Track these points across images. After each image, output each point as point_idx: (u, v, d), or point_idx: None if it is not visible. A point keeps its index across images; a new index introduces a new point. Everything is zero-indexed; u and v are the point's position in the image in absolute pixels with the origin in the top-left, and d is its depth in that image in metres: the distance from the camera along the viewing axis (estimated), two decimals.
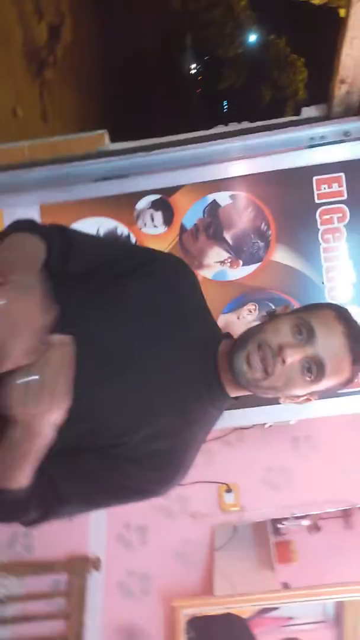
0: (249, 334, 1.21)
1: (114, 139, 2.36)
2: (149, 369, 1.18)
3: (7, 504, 1.09)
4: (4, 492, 1.07)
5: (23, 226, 1.23)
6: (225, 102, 13.38)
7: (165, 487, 1.21)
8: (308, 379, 1.17)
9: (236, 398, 1.29)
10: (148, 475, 1.18)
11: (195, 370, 1.23)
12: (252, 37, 10.36)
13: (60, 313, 1.12)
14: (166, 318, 1.24)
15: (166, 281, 1.27)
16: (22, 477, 1.07)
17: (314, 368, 1.16)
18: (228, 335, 1.32)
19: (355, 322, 1.22)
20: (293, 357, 1.14)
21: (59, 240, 1.23)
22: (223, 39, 9.86)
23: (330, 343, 1.16)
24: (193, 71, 13.84)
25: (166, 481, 1.21)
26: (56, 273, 1.18)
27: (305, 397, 1.24)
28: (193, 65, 13.69)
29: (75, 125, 8.31)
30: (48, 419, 1.01)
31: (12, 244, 1.16)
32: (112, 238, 2.33)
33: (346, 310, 1.25)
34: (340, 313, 1.21)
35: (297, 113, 2.40)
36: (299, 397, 1.23)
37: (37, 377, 0.99)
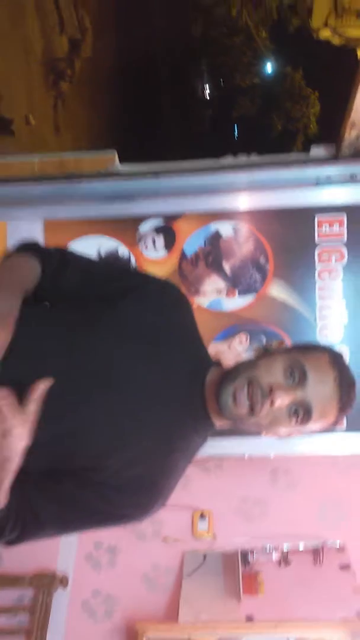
0: (241, 368, 1.19)
1: (122, 155, 2.37)
2: (134, 391, 1.17)
3: None
4: None
5: (26, 247, 1.27)
6: (236, 128, 13.49)
7: (143, 513, 1.20)
8: (294, 421, 1.16)
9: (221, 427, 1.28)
10: (127, 500, 1.17)
11: (181, 396, 1.21)
12: (269, 68, 10.45)
13: (48, 332, 1.15)
14: (155, 341, 1.23)
15: (157, 304, 1.27)
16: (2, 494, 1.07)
17: (301, 412, 1.15)
18: (218, 363, 1.31)
19: (348, 369, 1.21)
20: (283, 400, 1.13)
21: (56, 261, 1.25)
22: (240, 67, 9.95)
23: (320, 389, 1.15)
24: (207, 95, 13.96)
25: (145, 507, 1.19)
26: (50, 293, 1.22)
27: (287, 434, 1.24)
28: (207, 89, 13.81)
29: (86, 138, 8.36)
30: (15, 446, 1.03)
31: (9, 266, 1.20)
32: (109, 260, 2.34)
33: (341, 355, 1.24)
34: (335, 358, 1.20)
35: (307, 147, 2.43)
36: (281, 434, 1.23)
37: None
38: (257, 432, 1.21)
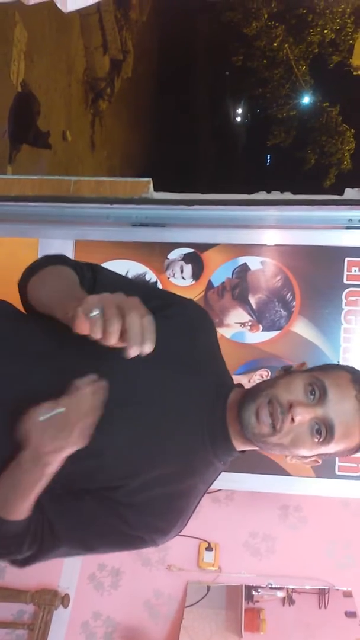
0: (261, 387, 1.19)
1: (155, 180, 2.40)
2: (158, 415, 1.18)
3: (4, 535, 1.10)
4: (4, 523, 1.08)
5: (55, 260, 1.29)
6: (269, 158, 13.59)
7: (161, 536, 1.19)
8: (316, 440, 1.14)
9: (243, 452, 1.26)
10: (144, 522, 1.17)
11: (202, 419, 1.22)
12: (306, 100, 10.54)
13: (79, 353, 1.16)
14: (180, 363, 1.24)
15: (183, 326, 1.28)
16: (24, 508, 1.08)
17: (323, 430, 1.14)
18: (240, 385, 1.31)
19: None
20: (303, 416, 1.12)
21: (88, 271, 1.28)
22: (278, 99, 10.06)
23: (342, 406, 1.14)
24: (243, 123, 14.09)
25: (162, 530, 1.19)
26: None
27: (312, 459, 1.22)
28: (243, 118, 13.94)
29: (120, 157, 8.48)
30: (60, 455, 1.04)
31: (56, 273, 1.23)
32: (136, 279, 2.37)
33: None
34: (356, 376, 1.19)
35: (340, 182, 2.43)
36: (305, 457, 1.21)
37: (63, 409, 1.02)
38: (281, 454, 1.20)
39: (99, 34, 6.83)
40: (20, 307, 1.33)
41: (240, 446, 1.24)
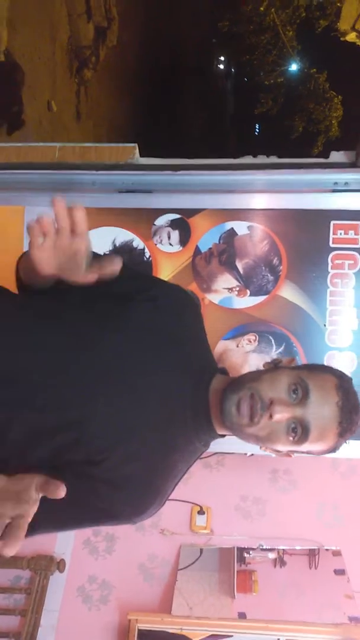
0: (246, 379, 1.22)
1: (142, 147, 2.38)
2: (140, 387, 1.19)
3: None
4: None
5: None
6: (257, 126, 13.47)
7: (138, 513, 1.20)
8: (290, 438, 1.17)
9: (222, 436, 1.29)
10: (122, 498, 1.16)
11: (185, 398, 1.23)
12: (294, 67, 10.42)
13: (61, 327, 1.18)
14: (164, 341, 1.25)
15: (170, 306, 1.30)
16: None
17: (299, 430, 1.16)
18: (223, 370, 1.33)
19: (354, 395, 1.21)
20: (282, 415, 1.14)
21: None
22: (265, 66, 9.94)
23: (321, 411, 1.16)
24: (229, 91, 13.94)
25: (139, 507, 1.19)
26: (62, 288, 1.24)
27: (285, 453, 1.26)
28: (230, 86, 13.79)
29: (107, 127, 8.38)
30: None
31: None
32: (123, 249, 2.36)
33: (349, 380, 1.24)
34: (342, 382, 1.21)
35: (328, 149, 2.43)
36: (279, 451, 1.24)
37: None
38: (255, 444, 1.23)
39: (83, 0, 6.70)
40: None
41: (219, 429, 1.26)
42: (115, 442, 1.14)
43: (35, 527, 1.10)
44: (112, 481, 1.14)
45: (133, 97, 9.80)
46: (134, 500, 1.18)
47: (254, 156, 2.42)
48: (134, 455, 1.16)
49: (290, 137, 10.11)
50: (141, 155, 2.37)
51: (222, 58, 12.27)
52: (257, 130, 13.53)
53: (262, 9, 9.07)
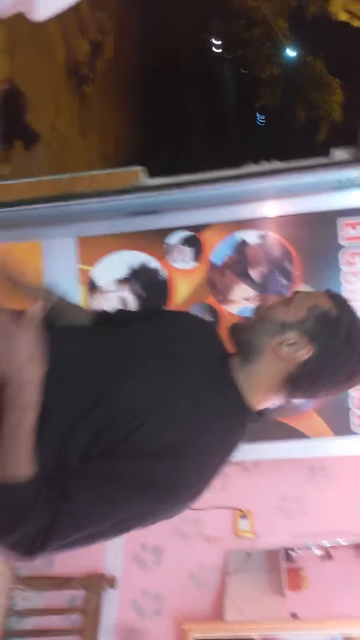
0: None
1: (149, 156, 2.41)
2: (166, 361, 1.25)
3: (10, 501, 1.05)
4: (6, 487, 1.05)
5: None
6: (259, 119, 13.43)
7: (175, 488, 1.14)
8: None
9: (260, 414, 1.27)
10: (160, 467, 1.11)
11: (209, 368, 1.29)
12: (290, 57, 10.35)
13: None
14: (180, 360, 1.28)
15: (179, 328, 1.37)
16: (24, 460, 1.07)
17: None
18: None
19: (344, 305, 1.25)
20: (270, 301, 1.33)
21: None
22: (260, 59, 9.88)
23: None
24: (229, 88, 13.92)
25: (184, 476, 1.13)
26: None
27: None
28: (229, 83, 13.77)
29: (113, 139, 8.43)
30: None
31: None
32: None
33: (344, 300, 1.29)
34: (333, 296, 1.29)
35: (331, 138, 2.44)
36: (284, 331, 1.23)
37: None
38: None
39: (74, 17, 6.74)
40: None
41: (256, 400, 1.25)
42: (147, 408, 1.15)
43: (70, 500, 1.07)
44: (147, 452, 1.11)
45: (135, 105, 9.84)
46: (180, 470, 1.13)
47: (256, 162, 2.45)
48: (169, 419, 1.15)
49: (294, 127, 10.04)
50: (149, 167, 2.41)
51: (218, 57, 12.26)
52: (259, 124, 13.48)
53: (250, 3, 9.04)
